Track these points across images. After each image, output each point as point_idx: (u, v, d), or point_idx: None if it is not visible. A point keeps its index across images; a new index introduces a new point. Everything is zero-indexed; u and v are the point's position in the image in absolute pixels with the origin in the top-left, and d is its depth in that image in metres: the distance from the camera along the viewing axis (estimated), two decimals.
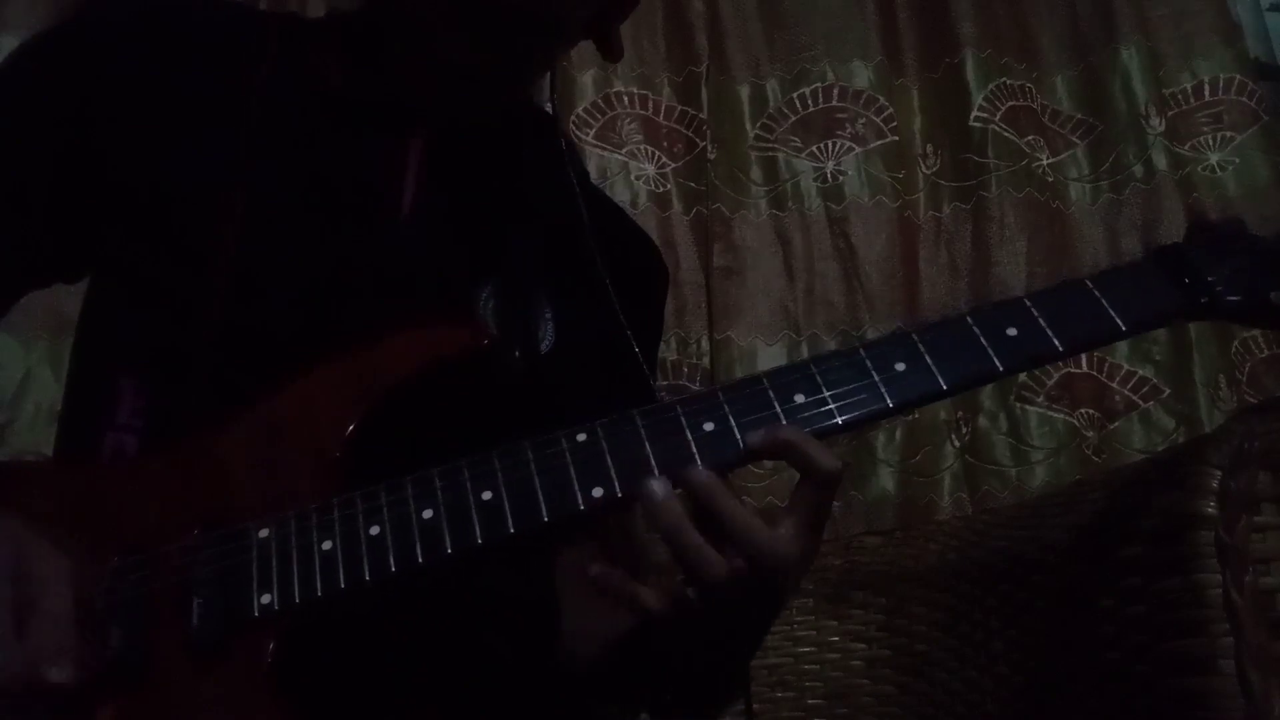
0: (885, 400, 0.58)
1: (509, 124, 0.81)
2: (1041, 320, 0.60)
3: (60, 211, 0.72)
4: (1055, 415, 1.36)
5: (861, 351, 0.60)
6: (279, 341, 0.67)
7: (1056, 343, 0.59)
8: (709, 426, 0.58)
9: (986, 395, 1.37)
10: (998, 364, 0.59)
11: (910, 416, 1.36)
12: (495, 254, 0.76)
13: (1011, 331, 0.60)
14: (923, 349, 0.59)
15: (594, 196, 0.88)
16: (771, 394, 0.59)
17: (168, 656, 0.57)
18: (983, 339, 0.59)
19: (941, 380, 0.59)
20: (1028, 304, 0.60)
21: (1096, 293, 0.61)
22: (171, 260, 0.70)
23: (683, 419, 0.58)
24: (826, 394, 0.59)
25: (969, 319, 0.60)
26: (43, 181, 0.72)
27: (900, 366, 0.59)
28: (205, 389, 0.66)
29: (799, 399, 0.59)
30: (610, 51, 0.80)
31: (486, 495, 0.58)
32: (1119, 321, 0.60)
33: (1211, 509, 0.62)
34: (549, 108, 0.90)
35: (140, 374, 0.69)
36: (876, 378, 0.59)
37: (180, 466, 0.63)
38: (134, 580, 0.59)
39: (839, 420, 0.58)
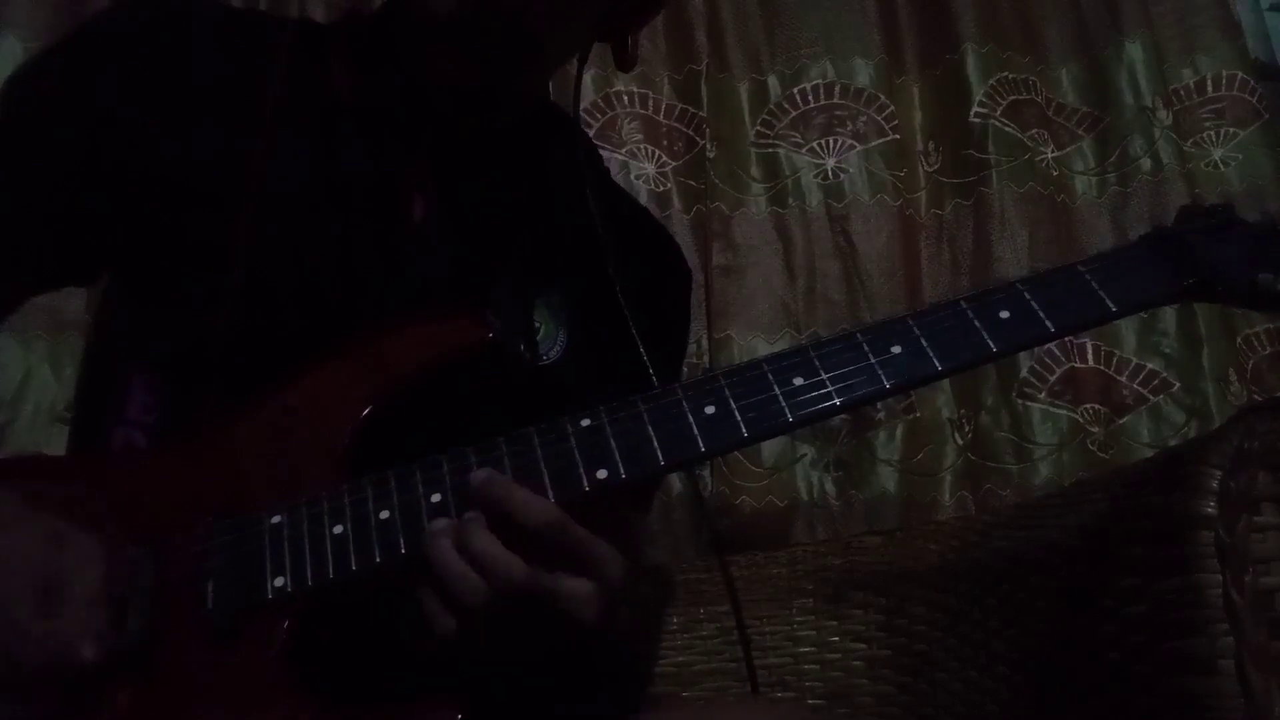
0: (882, 382, 0.60)
1: (524, 128, 0.82)
2: (1034, 303, 0.62)
3: (78, 214, 0.74)
4: (1058, 411, 1.36)
5: (858, 336, 0.62)
6: (289, 341, 0.68)
7: (1049, 324, 0.61)
8: (710, 410, 0.60)
9: (988, 392, 1.36)
10: (991, 345, 0.61)
11: (911, 415, 1.36)
12: (507, 257, 0.77)
13: (1004, 314, 0.61)
14: (918, 332, 0.61)
15: (615, 197, 0.89)
16: (771, 377, 0.61)
17: (184, 641, 0.59)
18: (976, 322, 0.61)
19: (937, 362, 0.60)
20: (1020, 288, 0.63)
21: (1087, 276, 0.62)
22: (185, 259, 0.71)
23: (684, 403, 0.60)
24: (824, 376, 0.60)
25: (963, 303, 0.62)
26: (61, 185, 0.73)
27: (896, 349, 0.61)
28: (216, 386, 0.67)
29: (797, 381, 0.60)
30: (623, 61, 0.80)
31: None
32: (1109, 303, 0.61)
33: (1211, 509, 0.62)
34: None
35: (152, 371, 0.70)
36: (873, 360, 0.61)
37: (194, 457, 0.65)
38: (150, 568, 0.60)
39: (836, 401, 0.60)
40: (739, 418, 0.59)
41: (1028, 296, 0.62)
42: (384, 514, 0.59)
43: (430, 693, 0.58)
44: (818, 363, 0.61)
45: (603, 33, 0.79)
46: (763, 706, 0.68)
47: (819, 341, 0.62)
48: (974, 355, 0.61)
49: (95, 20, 0.79)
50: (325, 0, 1.37)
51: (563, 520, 0.57)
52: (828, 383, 0.60)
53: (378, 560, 0.58)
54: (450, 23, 0.68)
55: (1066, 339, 1.37)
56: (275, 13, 1.34)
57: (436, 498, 0.59)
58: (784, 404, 0.59)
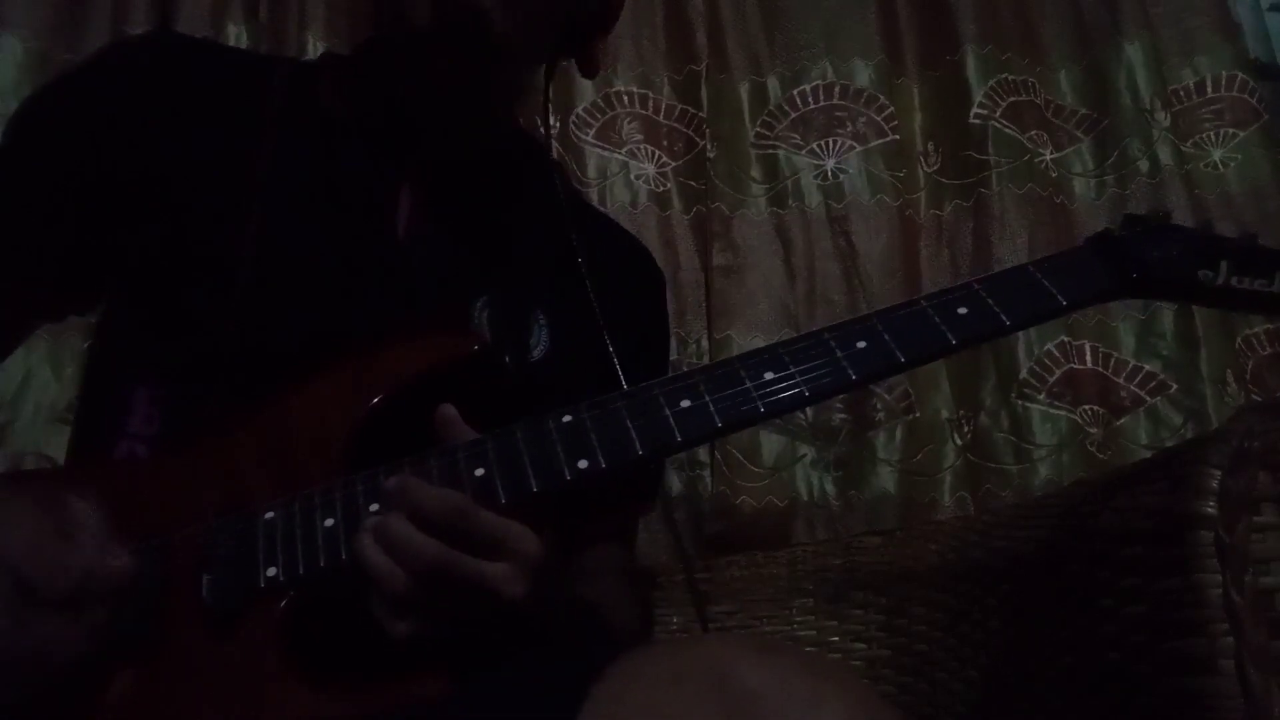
0: (849, 374, 0.64)
1: (503, 149, 0.87)
2: (990, 300, 0.66)
3: (83, 229, 0.77)
4: (1057, 413, 1.36)
5: (826, 334, 0.65)
6: (286, 355, 0.71)
7: (1004, 318, 0.65)
8: (685, 404, 0.63)
9: (988, 393, 1.37)
10: (950, 339, 0.65)
11: (911, 416, 1.36)
12: (490, 269, 0.80)
13: (962, 311, 0.65)
14: (881, 329, 0.65)
15: (585, 212, 0.95)
16: (743, 373, 0.64)
17: (183, 632, 0.61)
18: (936, 318, 0.65)
19: (900, 354, 0.64)
20: (976, 287, 0.67)
21: (1038, 275, 0.67)
22: (186, 277, 0.74)
23: (661, 398, 0.64)
24: (794, 370, 0.64)
25: (923, 302, 0.66)
26: (67, 201, 0.76)
27: (861, 345, 0.64)
28: (216, 399, 0.70)
29: (768, 376, 0.64)
30: (586, 69, 0.85)
31: (479, 471, 0.62)
32: (1060, 298, 0.66)
33: (1211, 509, 0.62)
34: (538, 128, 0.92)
35: (154, 384, 0.73)
36: (840, 355, 0.64)
37: (194, 462, 0.68)
38: (150, 566, 0.63)
39: (806, 392, 0.63)
40: (713, 409, 0.63)
41: (984, 294, 0.66)
42: (374, 507, 0.62)
43: (420, 665, 0.60)
44: (787, 359, 0.64)
45: (565, 45, 0.83)
46: (725, 640, 0.71)
47: (789, 340, 0.66)
48: (935, 348, 0.65)
49: (97, 56, 0.84)
50: (323, 36, 1.36)
51: (466, 506, 0.59)
52: (796, 376, 0.63)
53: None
54: (429, 29, 0.72)
55: (1065, 341, 1.37)
56: (274, 50, 1.34)
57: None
58: (755, 396, 0.63)
